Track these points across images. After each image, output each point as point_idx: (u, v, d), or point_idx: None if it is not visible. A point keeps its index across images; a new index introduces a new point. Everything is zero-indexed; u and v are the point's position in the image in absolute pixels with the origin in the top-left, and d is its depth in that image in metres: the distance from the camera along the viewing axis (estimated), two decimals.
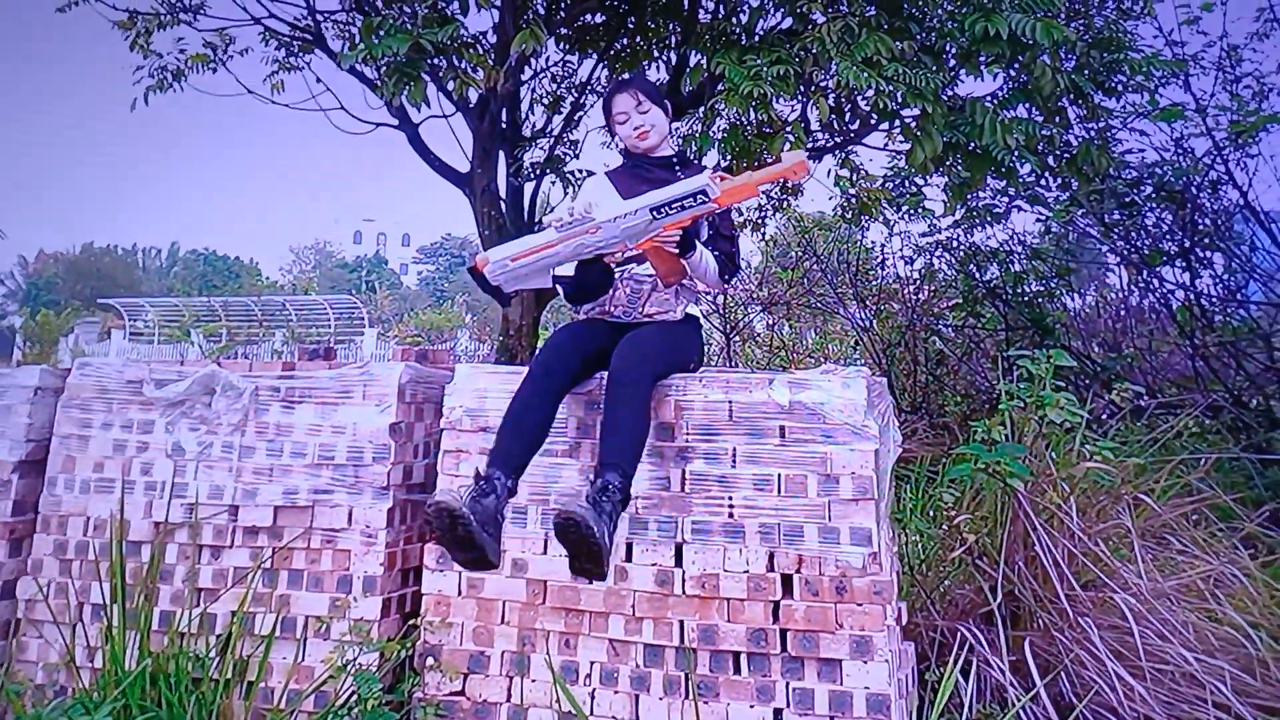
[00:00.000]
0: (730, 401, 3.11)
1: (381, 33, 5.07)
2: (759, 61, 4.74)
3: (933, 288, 9.50)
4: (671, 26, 7.16)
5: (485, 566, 2.80)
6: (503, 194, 7.08)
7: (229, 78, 7.15)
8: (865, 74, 4.47)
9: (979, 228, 8.67)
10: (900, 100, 4.91)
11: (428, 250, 79.99)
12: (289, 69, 7.20)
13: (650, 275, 3.31)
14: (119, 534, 3.43)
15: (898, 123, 5.69)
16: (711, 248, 3.35)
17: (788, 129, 5.23)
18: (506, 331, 6.76)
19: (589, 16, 7.14)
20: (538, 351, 3.29)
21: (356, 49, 5.27)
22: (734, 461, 3.07)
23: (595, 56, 7.54)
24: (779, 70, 4.65)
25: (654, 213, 2.95)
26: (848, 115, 6.16)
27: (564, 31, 7.20)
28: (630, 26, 7.25)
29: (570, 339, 3.27)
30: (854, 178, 7.28)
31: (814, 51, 4.75)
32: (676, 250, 3.08)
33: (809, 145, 6.22)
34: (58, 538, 3.64)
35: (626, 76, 5.98)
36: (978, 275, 8.77)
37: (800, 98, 5.81)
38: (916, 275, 9.53)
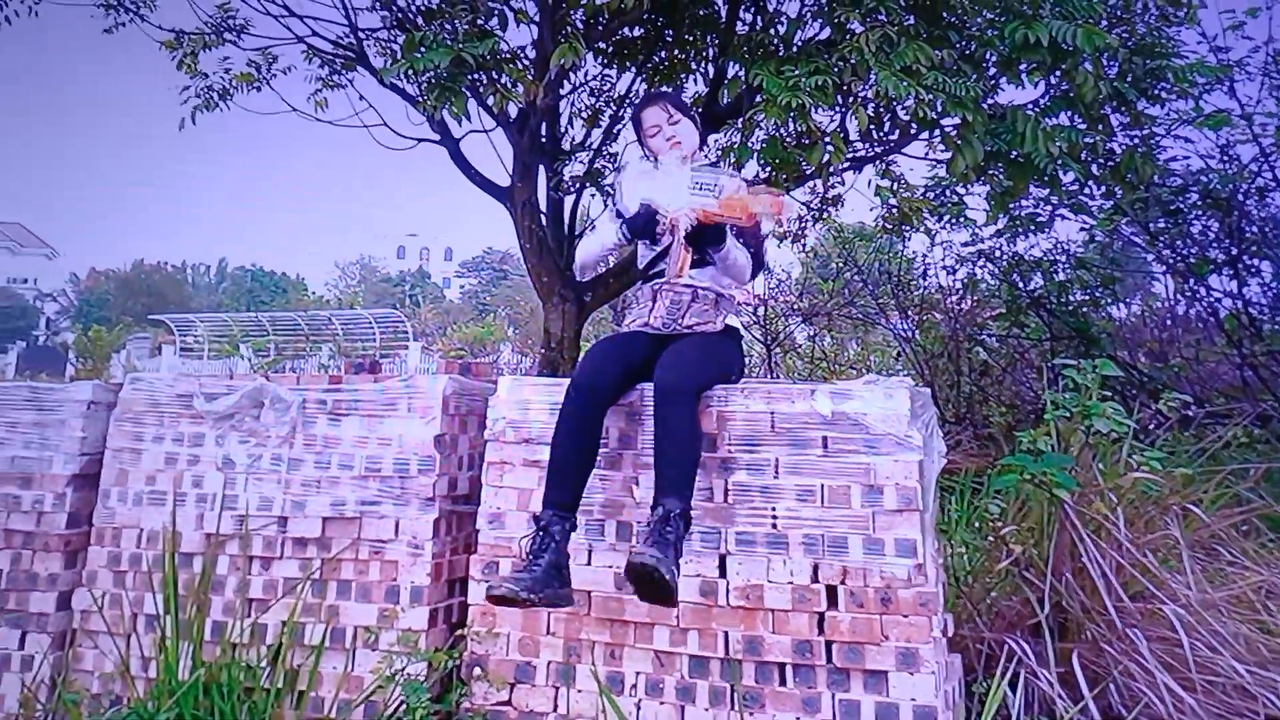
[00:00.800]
0: (772, 412, 3.12)
1: (423, 48, 5.13)
2: (797, 72, 4.76)
3: (976, 298, 9.44)
4: (709, 39, 7.19)
5: (560, 607, 3.03)
6: (543, 207, 7.13)
7: (273, 96, 7.27)
8: (904, 83, 4.47)
9: (1022, 237, 8.62)
10: (940, 109, 4.90)
11: (470, 264, 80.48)
12: (332, 86, 7.30)
13: (689, 286, 3.34)
14: (171, 546, 3.49)
15: (938, 132, 5.68)
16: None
17: (826, 139, 5.24)
18: (549, 344, 6.80)
19: (627, 30, 7.17)
20: (579, 364, 3.31)
21: (399, 63, 5.33)
22: (777, 472, 3.08)
23: (633, 70, 7.58)
24: (817, 81, 4.66)
25: (694, 183, 3.14)
26: (887, 125, 6.15)
27: (602, 46, 7.25)
28: (668, 40, 7.28)
29: (610, 351, 3.29)
30: (895, 188, 7.27)
31: (852, 61, 4.75)
32: (684, 241, 3.15)
33: (848, 155, 6.21)
34: (112, 550, 3.71)
35: (655, 91, 6.02)
36: (1021, 285, 8.71)
37: (839, 108, 5.81)
38: (959, 285, 9.47)
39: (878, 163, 7.07)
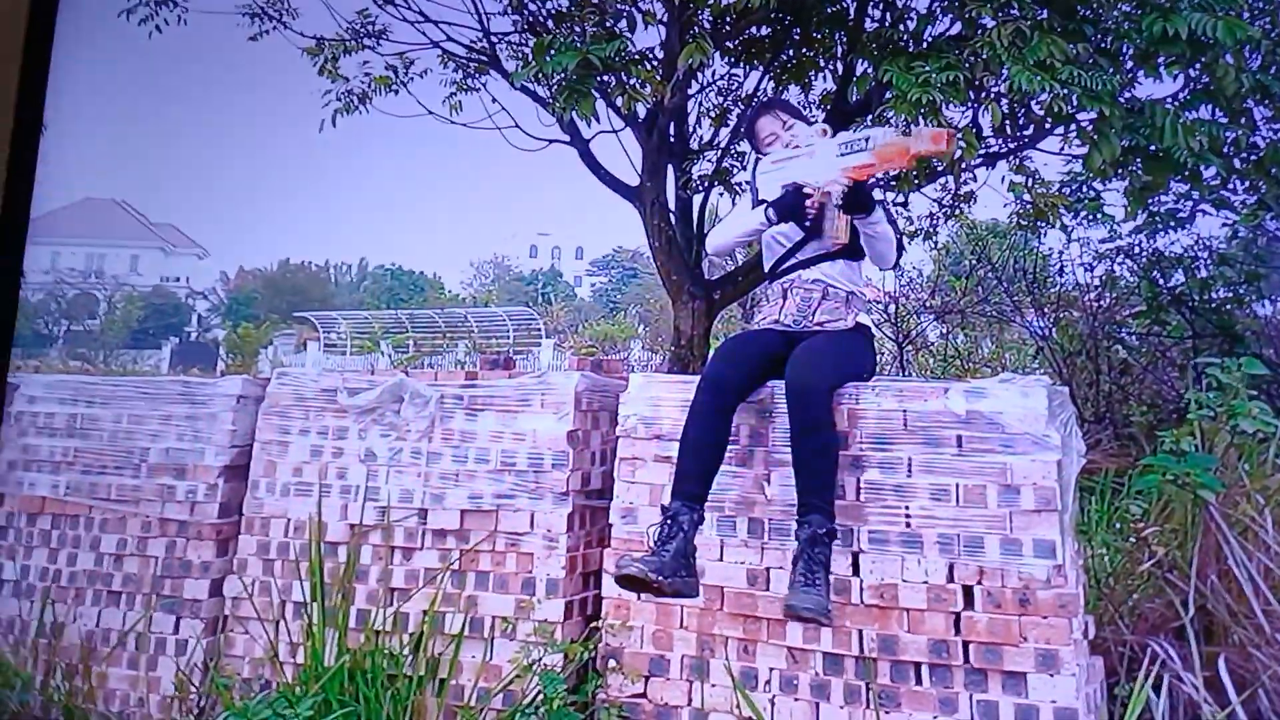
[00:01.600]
0: (905, 410, 3.10)
1: (552, 51, 5.23)
2: (927, 68, 4.70)
3: (1114, 295, 9.16)
4: (837, 36, 7.13)
5: (686, 598, 3.01)
6: (671, 206, 7.17)
7: (410, 100, 7.48)
8: (1039, 77, 4.38)
9: (1162, 233, 8.34)
10: (1076, 104, 4.79)
11: (600, 263, 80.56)
12: (466, 90, 7.46)
13: (819, 282, 3.33)
14: (317, 535, 3.63)
15: (1074, 127, 5.54)
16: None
17: (959, 135, 5.16)
18: (678, 342, 6.84)
19: (755, 29, 7.17)
20: (708, 362, 3.34)
21: (529, 66, 5.44)
22: (910, 471, 3.06)
23: (760, 69, 7.57)
24: (948, 76, 4.60)
25: (841, 147, 3.04)
26: (1021, 120, 6.02)
27: (730, 45, 7.25)
28: (795, 38, 7.25)
29: (741, 348, 3.31)
30: (1029, 183, 7.11)
31: (984, 56, 4.68)
32: (840, 205, 3.06)
33: (981, 151, 6.10)
34: (260, 539, 3.87)
35: (764, 100, 6.00)
36: (1162, 282, 8.42)
37: (971, 104, 5.71)
38: (1097, 282, 9.20)
39: (1011, 158, 6.92)
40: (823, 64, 7.50)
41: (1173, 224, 8.12)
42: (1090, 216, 8.55)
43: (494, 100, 7.51)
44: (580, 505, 3.57)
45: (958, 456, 3.01)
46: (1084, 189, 8.22)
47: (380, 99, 7.28)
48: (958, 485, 2.99)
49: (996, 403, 3.01)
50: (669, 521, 2.97)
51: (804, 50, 7.35)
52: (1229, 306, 8.00)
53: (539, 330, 31.59)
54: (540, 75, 5.44)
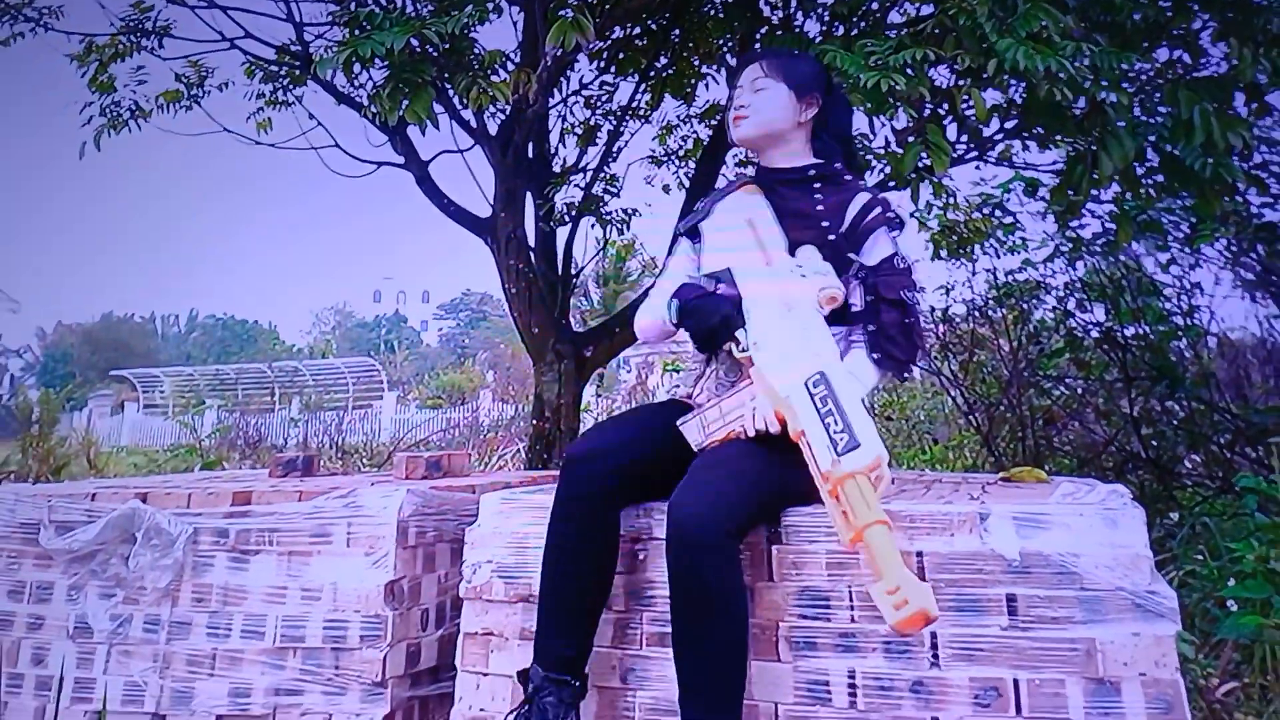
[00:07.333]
0: (917, 554, 1.91)
1: (368, 25, 3.84)
2: (876, 47, 3.42)
3: (1026, 331, 8.09)
4: (724, 41, 5.85)
5: None
6: (531, 243, 5.78)
7: (213, 117, 5.91)
8: (1039, 54, 3.14)
9: (1084, 259, 7.33)
10: (1088, 87, 3.50)
11: (448, 306, 78.28)
12: (277, 104, 6.00)
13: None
14: None
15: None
16: (868, 327, 2.13)
17: (918, 137, 3.83)
18: (541, 414, 5.40)
19: (627, 26, 5.87)
20: (567, 453, 2.07)
21: (341, 48, 3.88)
22: (935, 657, 1.86)
23: (636, 77, 6.26)
24: (912, 55, 3.31)
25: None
26: (1015, 112, 4.56)
27: (597, 46, 5.95)
28: (675, 40, 5.99)
29: (630, 416, 2.11)
30: (948, 204, 5.98)
31: (960, 27, 3.40)
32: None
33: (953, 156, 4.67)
34: None
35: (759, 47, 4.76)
36: (1080, 315, 7.41)
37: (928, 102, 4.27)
38: (1011, 318, 8.13)
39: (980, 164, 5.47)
40: (705, 70, 6.22)
41: (1098, 249, 7.11)
42: (1001, 244, 7.47)
43: (311, 116, 6.03)
44: (405, 699, 2.30)
45: (1011, 631, 1.82)
46: (998, 213, 7.14)
47: (167, 117, 5.71)
48: (1016, 681, 1.81)
49: (1066, 537, 1.84)
50: (529, 708, 1.83)
51: (684, 54, 6.10)
52: (1161, 341, 7.00)
53: (381, 382, 30.08)
54: (357, 59, 3.84)
